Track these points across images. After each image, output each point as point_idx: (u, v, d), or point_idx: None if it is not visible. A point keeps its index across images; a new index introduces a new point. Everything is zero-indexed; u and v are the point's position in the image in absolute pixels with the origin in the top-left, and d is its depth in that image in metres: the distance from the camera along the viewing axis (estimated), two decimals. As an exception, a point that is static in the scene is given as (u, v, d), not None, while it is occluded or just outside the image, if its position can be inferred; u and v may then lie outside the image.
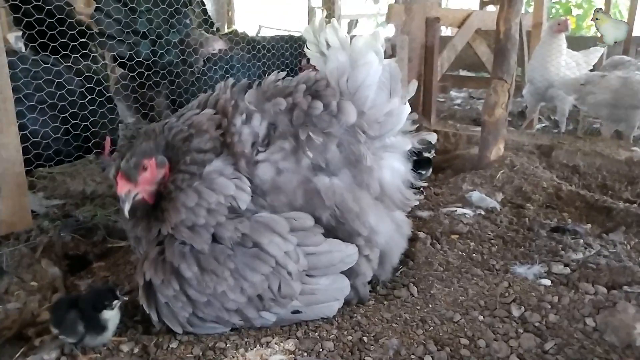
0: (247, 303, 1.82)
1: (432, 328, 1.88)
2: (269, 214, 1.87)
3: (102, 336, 1.80)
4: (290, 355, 1.73)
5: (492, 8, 6.75)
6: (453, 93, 7.72)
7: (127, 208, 1.80)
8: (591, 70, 5.06)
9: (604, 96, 4.24)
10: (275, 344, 1.78)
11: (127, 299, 1.92)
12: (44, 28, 2.82)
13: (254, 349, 1.75)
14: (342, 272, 1.97)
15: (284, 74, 2.09)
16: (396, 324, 1.91)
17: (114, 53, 3.21)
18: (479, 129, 3.81)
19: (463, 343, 1.78)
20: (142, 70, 3.29)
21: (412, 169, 2.18)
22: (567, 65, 4.80)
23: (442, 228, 2.69)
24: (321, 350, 1.76)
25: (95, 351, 1.78)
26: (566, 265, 2.27)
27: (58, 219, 2.81)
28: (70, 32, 2.90)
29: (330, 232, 1.95)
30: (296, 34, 4.14)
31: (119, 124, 3.15)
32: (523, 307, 1.95)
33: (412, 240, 2.46)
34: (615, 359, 1.68)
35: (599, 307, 1.88)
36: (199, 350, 1.76)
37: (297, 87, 1.96)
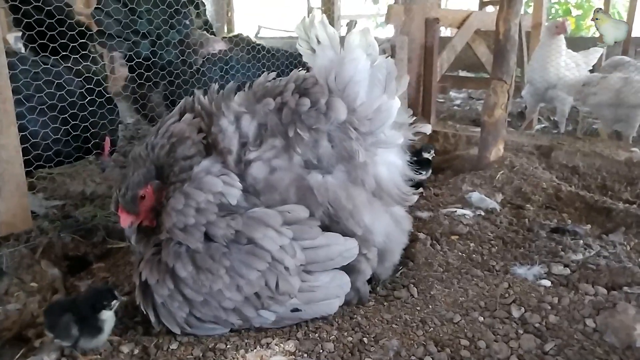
0: (245, 301, 1.81)
1: (432, 329, 1.88)
2: (261, 208, 1.87)
3: (97, 339, 1.79)
4: (291, 356, 1.73)
5: (491, 9, 6.76)
6: (452, 94, 7.73)
7: (134, 239, 1.90)
8: (591, 71, 5.07)
9: (606, 96, 4.25)
10: (276, 345, 1.78)
11: (125, 299, 1.92)
12: (43, 29, 2.82)
13: (254, 350, 1.75)
14: (342, 270, 1.97)
15: (274, 74, 2.11)
16: (396, 325, 1.91)
17: (119, 52, 3.22)
18: (478, 129, 3.82)
19: (463, 344, 1.78)
20: (142, 70, 3.29)
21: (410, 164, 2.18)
22: (566, 66, 4.80)
23: (441, 229, 2.69)
24: (321, 351, 1.76)
25: (95, 352, 1.78)
26: (566, 266, 2.27)
27: (58, 220, 2.81)
28: (69, 33, 2.91)
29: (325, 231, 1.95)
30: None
31: (119, 125, 3.15)
32: (523, 308, 1.95)
33: (412, 241, 2.46)
34: (615, 360, 1.68)
35: (599, 308, 1.88)
36: (199, 351, 1.76)
37: (286, 86, 1.97)
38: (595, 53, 5.23)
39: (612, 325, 1.77)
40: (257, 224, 1.80)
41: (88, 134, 2.86)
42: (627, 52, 6.66)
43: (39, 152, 2.67)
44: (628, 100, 4.18)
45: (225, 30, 9.08)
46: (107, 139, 2.92)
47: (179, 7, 3.38)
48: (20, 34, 3.11)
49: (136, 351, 1.79)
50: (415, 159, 2.25)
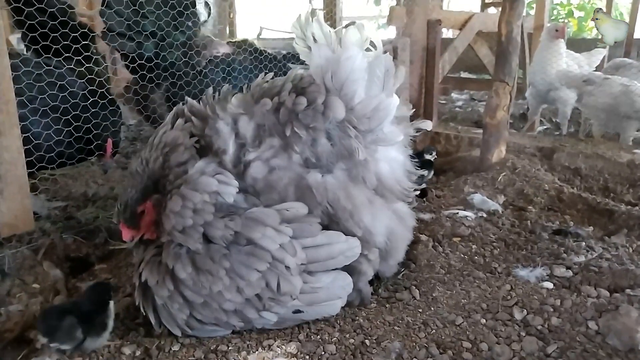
0: (246, 303, 1.81)
1: (434, 331, 1.87)
2: (259, 208, 1.86)
3: (102, 337, 1.81)
4: (293, 358, 1.73)
5: (493, 10, 6.77)
6: (454, 95, 7.73)
7: (135, 254, 1.97)
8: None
9: (602, 100, 4.23)
10: (278, 346, 1.78)
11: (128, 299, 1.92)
12: (46, 31, 2.83)
13: (256, 352, 1.75)
14: (343, 271, 1.97)
15: (271, 74, 2.11)
16: (398, 327, 1.90)
17: (124, 51, 3.23)
18: (480, 131, 3.81)
19: (465, 346, 1.78)
20: (145, 72, 3.30)
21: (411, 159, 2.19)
22: (568, 67, 4.80)
23: (443, 231, 2.68)
24: (323, 353, 1.75)
25: (98, 353, 1.78)
26: (568, 268, 2.26)
27: (60, 221, 2.82)
28: (72, 34, 2.91)
29: None
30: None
31: (122, 126, 3.15)
32: (525, 310, 1.94)
33: (414, 242, 2.45)
34: (617, 363, 1.68)
35: (601, 311, 1.88)
36: (201, 353, 1.75)
37: (283, 86, 1.97)
38: (598, 54, 5.23)
39: (614, 328, 1.77)
40: (255, 224, 1.80)
41: (90, 136, 2.86)
42: (629, 53, 6.66)
43: (42, 153, 2.67)
44: (622, 109, 4.16)
45: (227, 32, 9.09)
46: (109, 140, 2.92)
47: (181, 9, 3.38)
48: (22, 35, 3.12)
49: (138, 353, 1.79)
50: (417, 160, 2.25)
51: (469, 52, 5.73)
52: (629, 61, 5.29)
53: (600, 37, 5.72)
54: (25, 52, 3.12)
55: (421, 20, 4.61)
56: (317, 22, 1.92)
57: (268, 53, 3.87)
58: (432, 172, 3.61)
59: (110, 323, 1.85)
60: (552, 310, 1.93)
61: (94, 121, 2.85)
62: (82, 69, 2.93)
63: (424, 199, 3.12)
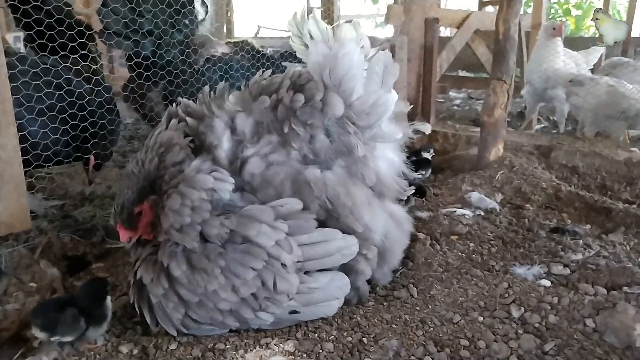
0: (241, 303, 1.80)
1: (431, 329, 1.87)
2: (254, 205, 1.86)
3: (102, 327, 1.85)
4: (290, 357, 1.73)
5: (491, 9, 6.76)
6: (452, 94, 7.73)
7: (133, 253, 1.97)
8: (591, 71, 5.07)
9: (588, 101, 4.23)
10: (275, 345, 1.78)
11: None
12: (42, 28, 2.82)
13: (254, 350, 1.75)
14: (341, 271, 1.96)
15: (269, 72, 2.11)
16: (396, 325, 1.90)
17: (120, 49, 3.23)
18: (478, 129, 3.82)
19: (463, 344, 1.78)
20: (142, 70, 3.29)
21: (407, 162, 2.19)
22: (565, 65, 4.80)
23: (441, 229, 2.69)
24: (321, 351, 1.75)
25: (95, 352, 1.78)
26: (566, 266, 2.27)
27: (57, 220, 2.81)
28: (69, 32, 2.90)
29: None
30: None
31: (120, 124, 3.15)
32: (523, 308, 1.95)
33: (412, 241, 2.45)
34: (615, 360, 1.68)
35: (598, 308, 1.88)
36: (199, 351, 1.75)
37: (281, 83, 1.97)
38: (595, 53, 5.23)
39: (611, 325, 1.77)
40: (249, 221, 1.79)
41: (87, 134, 2.86)
42: (626, 52, 6.67)
43: (38, 152, 2.66)
44: (608, 110, 4.15)
45: (225, 30, 9.07)
46: (92, 156, 2.92)
47: (178, 7, 3.37)
48: (19, 33, 3.11)
49: (135, 351, 1.79)
50: (414, 158, 2.25)
51: (466, 50, 5.74)
52: (625, 60, 5.29)
53: (600, 37, 5.72)
54: (22, 50, 3.11)
55: (419, 19, 4.61)
56: (313, 19, 1.92)
57: (267, 54, 3.87)
58: (430, 170, 3.61)
59: (109, 314, 1.87)
60: (549, 308, 1.93)
61: (91, 119, 2.85)
62: (80, 67, 2.92)
63: (423, 198, 3.12)
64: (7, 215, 2.48)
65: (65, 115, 2.74)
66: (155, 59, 3.32)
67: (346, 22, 1.95)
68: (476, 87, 7.60)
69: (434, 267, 2.34)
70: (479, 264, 2.38)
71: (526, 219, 2.83)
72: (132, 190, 1.92)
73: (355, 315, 1.97)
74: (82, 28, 3.04)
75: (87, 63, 3.00)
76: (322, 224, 1.93)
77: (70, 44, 2.88)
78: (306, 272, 1.88)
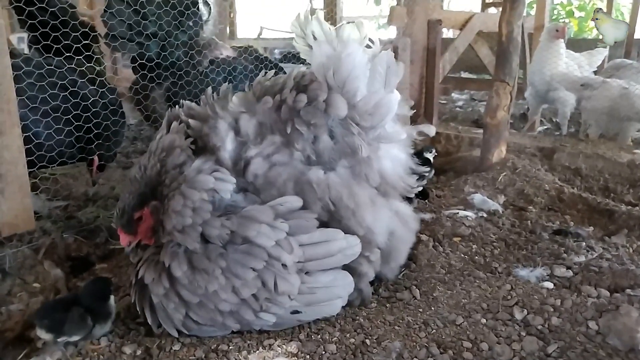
0: (242, 304, 1.80)
1: (434, 331, 1.87)
2: (253, 206, 1.86)
3: (107, 324, 1.88)
4: (293, 358, 1.73)
5: (493, 10, 6.77)
6: (455, 95, 7.72)
7: (132, 257, 1.98)
8: (594, 73, 5.06)
9: (601, 104, 4.23)
10: (278, 346, 1.78)
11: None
12: (47, 30, 2.83)
13: (257, 352, 1.75)
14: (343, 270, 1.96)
15: (272, 72, 2.11)
16: (399, 326, 1.91)
17: (124, 51, 3.24)
18: (480, 131, 3.81)
19: (465, 346, 1.78)
20: (146, 72, 3.30)
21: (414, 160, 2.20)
22: (567, 67, 4.80)
23: (444, 230, 2.69)
24: (324, 352, 1.76)
25: (99, 352, 1.78)
26: (568, 268, 2.26)
27: (61, 221, 2.82)
28: (73, 34, 2.91)
29: None
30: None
31: (124, 125, 3.16)
32: (525, 310, 1.95)
33: (415, 242, 2.45)
34: (618, 363, 1.68)
35: (601, 311, 1.88)
36: (202, 352, 1.76)
37: (285, 83, 1.98)
38: (599, 55, 5.22)
39: (614, 328, 1.77)
40: (249, 222, 1.79)
41: (92, 135, 2.87)
42: (629, 54, 6.66)
43: (43, 152, 2.67)
44: (621, 112, 4.15)
45: (228, 31, 9.09)
46: (95, 157, 2.96)
47: (182, 9, 3.38)
48: (23, 34, 3.13)
49: (139, 352, 1.79)
50: (416, 159, 2.25)
51: (469, 52, 5.73)
52: (629, 62, 5.28)
53: (600, 37, 5.71)
54: (27, 52, 3.13)
55: (422, 20, 4.61)
56: (317, 20, 1.92)
57: (269, 60, 3.89)
58: (432, 171, 3.61)
59: (114, 313, 1.90)
60: (552, 310, 1.93)
61: (95, 120, 2.86)
62: (84, 68, 2.93)
63: (425, 200, 3.12)
64: (11, 215, 2.50)
65: (69, 116, 2.75)
66: (159, 60, 3.33)
67: (349, 22, 1.95)
68: (479, 89, 7.60)
69: (437, 268, 2.34)
70: (481, 266, 2.38)
71: (529, 221, 2.83)
72: (133, 195, 1.93)
73: (358, 317, 1.97)
74: (86, 29, 3.06)
75: (92, 64, 3.01)
76: (324, 225, 1.92)
77: (75, 46, 2.89)
78: (307, 273, 1.87)
